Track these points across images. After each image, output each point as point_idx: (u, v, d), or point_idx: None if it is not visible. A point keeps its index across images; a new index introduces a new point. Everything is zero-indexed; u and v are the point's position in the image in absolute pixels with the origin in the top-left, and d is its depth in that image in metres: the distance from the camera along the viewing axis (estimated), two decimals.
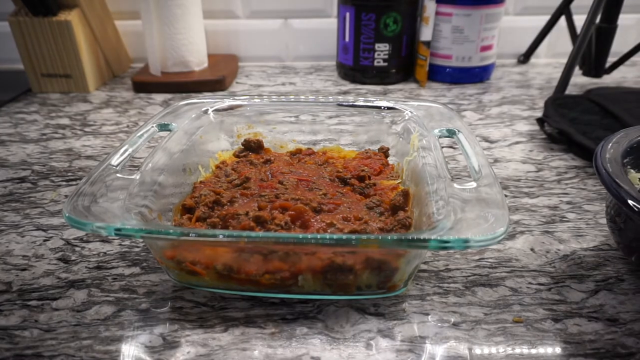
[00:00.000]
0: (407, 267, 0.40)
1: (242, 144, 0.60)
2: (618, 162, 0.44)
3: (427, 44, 0.93)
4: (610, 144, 0.46)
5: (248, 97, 0.61)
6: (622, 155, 0.46)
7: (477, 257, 0.48)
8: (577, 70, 0.86)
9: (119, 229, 0.36)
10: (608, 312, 0.41)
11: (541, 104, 0.84)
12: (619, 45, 0.88)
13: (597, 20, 0.83)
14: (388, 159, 0.58)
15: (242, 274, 0.40)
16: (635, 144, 0.47)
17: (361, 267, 0.39)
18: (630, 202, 0.38)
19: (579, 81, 0.93)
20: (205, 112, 0.58)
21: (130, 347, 0.38)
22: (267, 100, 0.61)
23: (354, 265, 0.39)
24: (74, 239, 0.51)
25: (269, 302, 0.42)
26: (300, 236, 0.37)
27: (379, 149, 0.59)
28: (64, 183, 0.63)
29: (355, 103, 0.60)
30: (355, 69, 0.98)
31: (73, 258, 0.48)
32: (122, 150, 0.47)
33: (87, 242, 0.51)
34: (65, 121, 0.82)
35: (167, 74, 0.96)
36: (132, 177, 0.44)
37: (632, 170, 0.48)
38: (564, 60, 0.83)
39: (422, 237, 0.35)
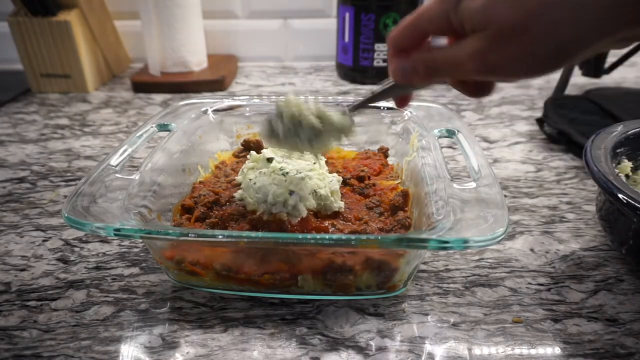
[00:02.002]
0: (406, 268, 0.40)
1: (242, 144, 0.60)
2: (608, 154, 0.45)
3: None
4: (601, 137, 0.47)
5: (247, 97, 0.61)
6: (616, 146, 0.47)
7: (476, 258, 0.48)
8: (576, 71, 0.85)
9: (118, 230, 0.36)
10: (607, 312, 0.41)
11: (541, 104, 0.84)
12: None
13: None
14: (388, 159, 0.58)
15: (242, 274, 0.40)
16: (631, 135, 0.48)
17: (361, 267, 0.39)
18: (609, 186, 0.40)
19: (579, 81, 0.93)
20: (205, 112, 0.58)
21: (130, 348, 0.38)
22: (266, 100, 0.61)
23: (354, 266, 0.39)
24: (73, 239, 0.51)
25: (269, 303, 0.42)
26: (300, 236, 0.37)
27: (378, 149, 0.59)
28: (63, 183, 0.63)
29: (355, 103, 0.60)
30: (355, 69, 0.98)
31: (72, 258, 0.48)
32: (121, 151, 0.47)
33: (86, 242, 0.51)
34: (64, 121, 0.82)
35: (166, 74, 0.96)
36: (132, 177, 0.44)
37: (625, 160, 0.48)
38: None
39: (421, 237, 0.35)
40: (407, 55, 0.34)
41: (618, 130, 0.48)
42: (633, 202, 0.38)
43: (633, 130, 0.48)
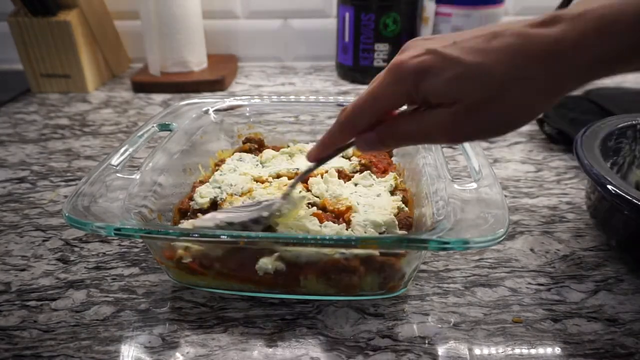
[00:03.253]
0: (407, 268, 0.40)
1: (243, 142, 0.60)
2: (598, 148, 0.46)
3: None
4: (590, 131, 0.49)
5: (248, 97, 0.61)
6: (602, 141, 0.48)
7: (476, 258, 0.48)
8: None
9: (118, 229, 0.36)
10: (607, 312, 0.41)
11: None
12: None
13: None
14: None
15: (243, 273, 0.40)
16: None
17: (362, 268, 0.39)
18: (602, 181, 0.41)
19: None
20: (206, 112, 0.58)
21: (130, 348, 0.38)
22: (267, 100, 0.61)
23: (355, 266, 0.39)
24: (73, 239, 0.51)
25: (269, 303, 0.42)
26: (300, 236, 0.37)
27: None
28: (63, 183, 0.63)
29: None
30: (355, 69, 0.98)
31: (72, 258, 0.48)
32: (122, 150, 0.47)
33: (86, 242, 0.51)
34: (64, 121, 0.82)
35: (166, 74, 0.96)
36: (132, 177, 0.44)
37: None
38: None
39: (421, 238, 0.35)
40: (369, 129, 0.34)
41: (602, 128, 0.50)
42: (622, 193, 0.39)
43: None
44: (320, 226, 0.42)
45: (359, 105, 0.34)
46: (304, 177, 0.43)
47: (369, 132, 0.34)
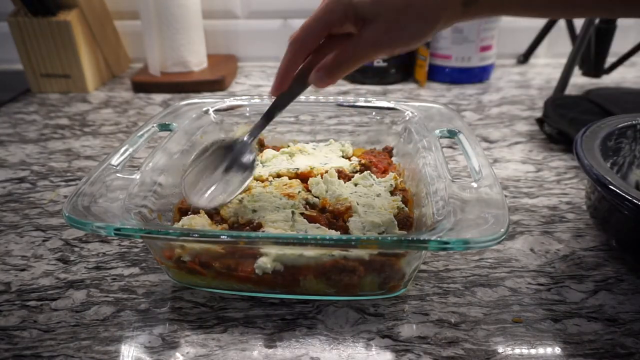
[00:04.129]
0: (407, 268, 0.40)
1: None
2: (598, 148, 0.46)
3: (427, 44, 0.93)
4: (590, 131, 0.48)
5: (248, 97, 0.61)
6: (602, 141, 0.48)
7: (476, 258, 0.48)
8: (576, 71, 0.85)
9: (118, 229, 0.36)
10: (607, 312, 0.41)
11: (541, 104, 0.84)
12: (618, 45, 0.88)
13: (597, 20, 0.83)
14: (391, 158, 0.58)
15: (243, 273, 0.40)
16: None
17: (362, 268, 0.39)
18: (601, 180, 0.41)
19: (579, 81, 0.93)
20: (206, 112, 0.58)
21: (130, 348, 0.38)
22: (267, 100, 0.61)
23: (355, 267, 0.39)
24: (73, 239, 0.51)
25: (269, 303, 0.42)
26: (300, 236, 0.37)
27: (383, 149, 0.59)
28: (63, 183, 0.63)
29: (355, 103, 0.60)
30: None
31: (72, 258, 0.48)
32: (122, 150, 0.47)
33: (86, 242, 0.51)
34: (64, 121, 0.82)
35: (166, 74, 0.96)
36: (132, 177, 0.44)
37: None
38: (564, 61, 0.83)
39: (421, 238, 0.35)
40: (311, 59, 0.40)
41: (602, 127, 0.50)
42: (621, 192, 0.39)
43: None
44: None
45: (305, 26, 0.39)
46: (268, 118, 0.46)
47: (316, 70, 0.39)
